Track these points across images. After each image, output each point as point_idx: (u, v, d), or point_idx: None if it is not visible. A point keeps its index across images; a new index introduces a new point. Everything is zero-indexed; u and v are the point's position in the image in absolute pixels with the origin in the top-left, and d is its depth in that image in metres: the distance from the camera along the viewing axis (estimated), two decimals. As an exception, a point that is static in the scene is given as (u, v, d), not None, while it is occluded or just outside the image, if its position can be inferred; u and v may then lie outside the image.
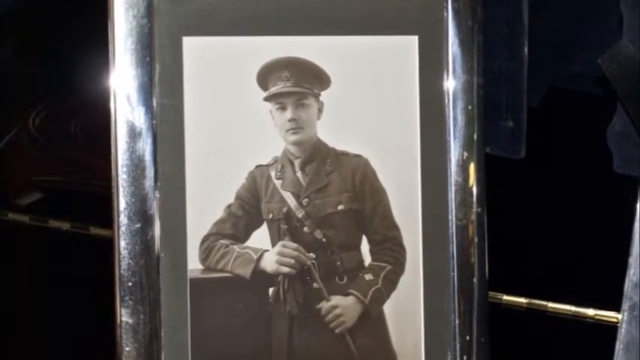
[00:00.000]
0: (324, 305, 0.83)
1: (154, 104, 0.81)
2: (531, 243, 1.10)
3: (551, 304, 1.03)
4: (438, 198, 0.84)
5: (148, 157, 0.80)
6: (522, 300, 1.04)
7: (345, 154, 0.84)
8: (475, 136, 0.84)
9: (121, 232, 0.80)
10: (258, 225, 0.83)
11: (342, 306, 0.83)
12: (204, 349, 0.81)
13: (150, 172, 0.80)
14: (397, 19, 0.84)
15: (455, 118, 0.84)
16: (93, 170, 1.16)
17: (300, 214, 0.83)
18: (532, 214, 1.10)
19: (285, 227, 0.83)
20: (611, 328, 0.93)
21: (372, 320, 0.84)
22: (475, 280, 0.84)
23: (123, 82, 0.80)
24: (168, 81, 0.81)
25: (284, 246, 0.83)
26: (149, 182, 0.80)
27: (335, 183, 0.84)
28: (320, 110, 0.83)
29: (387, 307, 0.84)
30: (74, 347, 1.08)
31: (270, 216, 0.83)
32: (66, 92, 1.20)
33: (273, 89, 0.82)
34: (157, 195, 0.80)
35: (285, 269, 0.83)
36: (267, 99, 0.83)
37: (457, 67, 0.84)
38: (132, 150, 0.80)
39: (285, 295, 0.83)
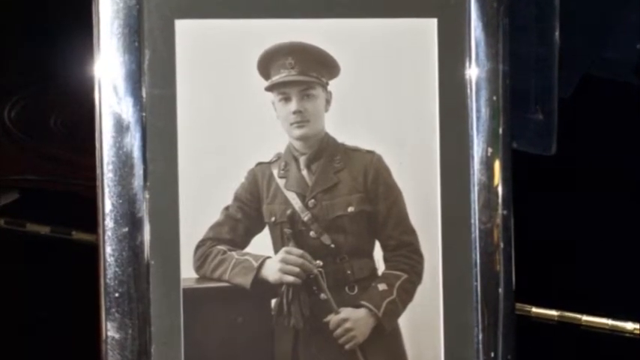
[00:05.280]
0: (332, 318, 0.83)
1: (144, 95, 0.81)
2: (563, 249, 1.10)
3: (585, 317, 1.03)
4: (460, 199, 0.84)
5: (136, 154, 0.80)
6: (553, 312, 1.04)
7: (355, 149, 0.84)
8: (500, 131, 0.84)
9: (106, 237, 0.80)
10: (259, 229, 0.83)
11: (353, 319, 0.83)
12: (199, 368, 0.82)
13: (139, 170, 0.80)
14: (414, 0, 0.83)
15: (478, 110, 0.84)
16: (75, 168, 1.16)
17: (305, 216, 0.83)
18: (564, 217, 1.10)
19: (289, 231, 0.83)
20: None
21: (385, 335, 0.84)
22: (500, 290, 0.84)
23: (109, 69, 0.80)
24: (159, 69, 0.81)
25: (288, 252, 0.83)
26: (138, 182, 0.80)
27: (344, 182, 0.84)
28: (328, 101, 0.83)
29: (403, 321, 0.84)
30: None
31: (273, 219, 0.83)
32: (45, 81, 1.20)
33: (276, 78, 0.82)
34: (147, 196, 0.80)
35: (290, 278, 0.83)
36: (269, 89, 0.83)
37: (480, 54, 0.84)
38: (119, 146, 0.80)
39: (290, 307, 0.83)
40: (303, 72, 0.83)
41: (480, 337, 0.83)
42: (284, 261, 0.83)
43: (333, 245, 0.83)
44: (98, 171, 0.80)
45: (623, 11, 1.09)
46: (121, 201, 0.80)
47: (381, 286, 0.84)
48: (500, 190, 0.84)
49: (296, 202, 0.83)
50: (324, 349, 0.83)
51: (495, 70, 0.84)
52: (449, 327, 0.84)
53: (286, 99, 0.83)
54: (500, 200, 0.84)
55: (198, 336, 0.81)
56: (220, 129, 0.82)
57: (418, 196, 0.84)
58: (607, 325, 1.02)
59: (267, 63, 0.82)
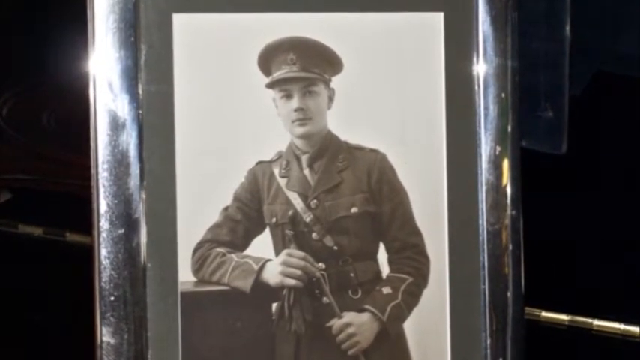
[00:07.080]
0: (335, 323, 0.83)
1: (140, 91, 0.80)
2: (574, 251, 1.10)
3: (596, 322, 1.03)
4: (467, 199, 0.84)
5: (132, 153, 0.80)
6: (564, 317, 1.04)
7: (359, 148, 0.84)
8: (509, 129, 0.84)
9: (101, 239, 0.80)
10: (259, 230, 0.83)
11: (356, 324, 0.83)
12: (198, 374, 0.82)
13: (135, 169, 0.80)
14: (419, -7, 0.84)
15: (486, 108, 0.84)
16: (69, 167, 1.16)
17: (307, 217, 0.83)
18: (574, 218, 1.10)
19: (291, 233, 0.83)
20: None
21: (390, 340, 0.83)
22: (509, 293, 0.83)
23: (104, 66, 0.80)
24: (156, 65, 0.81)
25: (289, 255, 0.83)
26: (134, 181, 0.80)
27: (348, 182, 0.84)
28: (331, 98, 0.83)
29: (408, 325, 0.84)
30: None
31: (274, 220, 0.83)
32: (38, 78, 1.20)
33: (277, 74, 0.82)
34: (143, 196, 0.80)
35: (291, 281, 0.82)
36: (269, 85, 0.82)
37: (488, 49, 0.84)
38: (114, 144, 0.80)
39: (291, 312, 0.83)
40: (305, 68, 0.83)
41: (488, 342, 0.83)
42: (285, 263, 0.83)
43: (336, 247, 0.83)
44: (93, 170, 0.80)
45: (635, 5, 1.09)
46: (116, 201, 0.80)
47: (386, 290, 0.84)
48: (508, 190, 0.84)
49: (298, 203, 0.83)
50: (326, 354, 0.83)
51: (504, 66, 0.84)
52: (456, 332, 0.84)
53: (287, 96, 0.83)
54: (508, 201, 0.84)
55: (197, 341, 0.81)
56: (219, 127, 0.82)
57: (424, 197, 0.84)
58: (619, 329, 1.02)
59: (267, 59, 0.82)
